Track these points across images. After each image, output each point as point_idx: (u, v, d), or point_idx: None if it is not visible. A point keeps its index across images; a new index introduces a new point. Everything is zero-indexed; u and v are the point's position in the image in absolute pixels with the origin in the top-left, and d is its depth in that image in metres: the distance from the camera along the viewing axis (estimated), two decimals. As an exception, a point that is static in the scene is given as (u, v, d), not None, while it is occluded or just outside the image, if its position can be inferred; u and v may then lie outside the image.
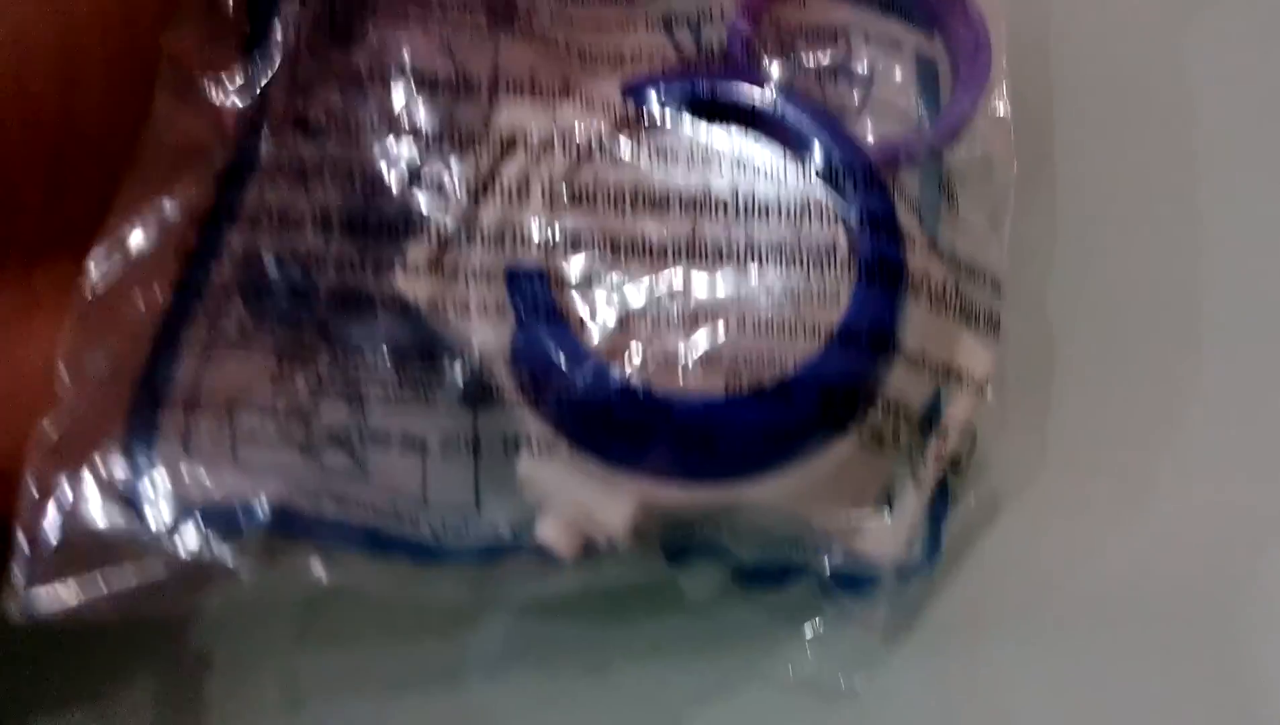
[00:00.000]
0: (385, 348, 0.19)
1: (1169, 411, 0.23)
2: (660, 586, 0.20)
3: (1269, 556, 0.22)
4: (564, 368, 0.18)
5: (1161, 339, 0.23)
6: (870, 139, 0.20)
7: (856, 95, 0.21)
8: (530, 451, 0.18)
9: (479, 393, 0.18)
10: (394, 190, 0.19)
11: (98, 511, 0.17)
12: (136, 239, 0.18)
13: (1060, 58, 0.25)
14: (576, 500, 0.18)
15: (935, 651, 0.21)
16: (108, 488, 0.17)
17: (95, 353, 0.18)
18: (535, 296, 0.18)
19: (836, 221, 0.19)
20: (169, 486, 0.17)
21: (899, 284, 0.18)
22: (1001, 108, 0.21)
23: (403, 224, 0.19)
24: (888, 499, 0.19)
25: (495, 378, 0.18)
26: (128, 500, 0.17)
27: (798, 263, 0.18)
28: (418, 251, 0.19)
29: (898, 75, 0.21)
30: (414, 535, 0.18)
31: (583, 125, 0.19)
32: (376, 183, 0.19)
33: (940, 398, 0.19)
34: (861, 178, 0.19)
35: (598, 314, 0.18)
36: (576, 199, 0.19)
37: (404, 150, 0.20)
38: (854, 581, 0.20)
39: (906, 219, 0.19)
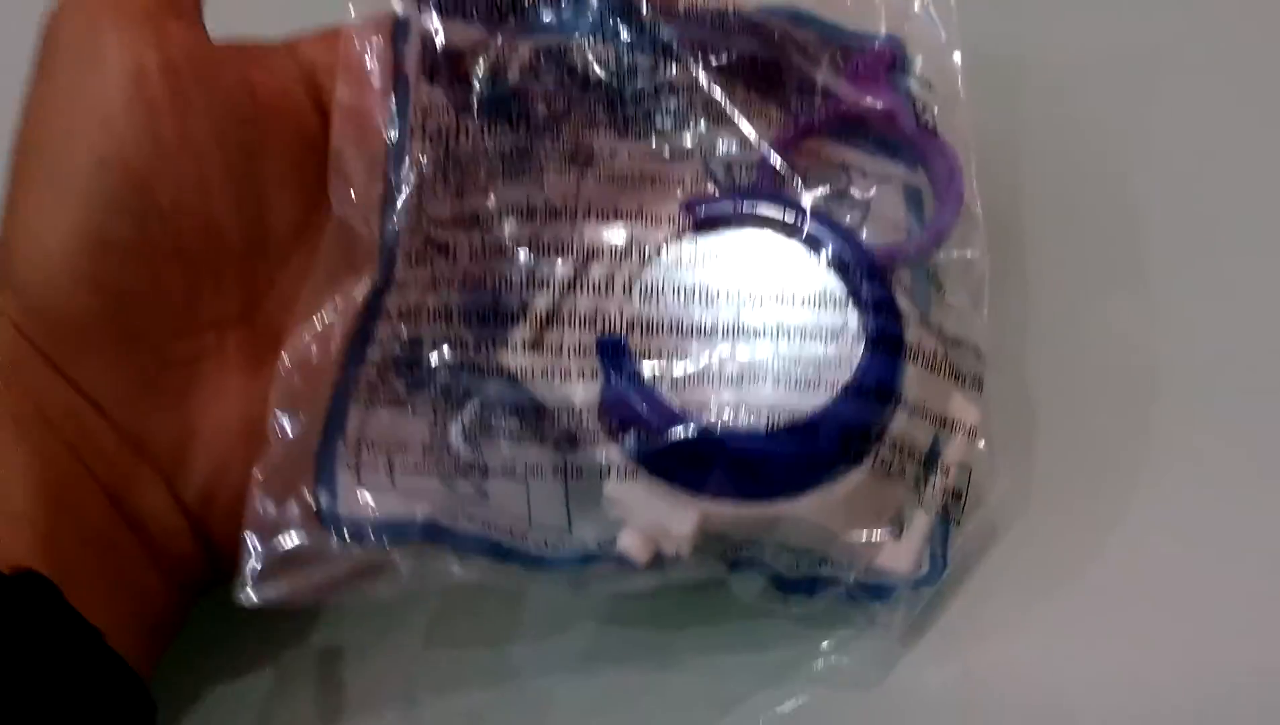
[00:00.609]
0: (497, 404, 0.24)
1: (1132, 452, 0.28)
2: (714, 600, 0.25)
3: (1222, 568, 0.26)
4: (642, 413, 0.23)
5: (1124, 394, 0.29)
6: (872, 245, 0.26)
7: (858, 214, 0.27)
8: (615, 477, 0.24)
9: (569, 437, 0.24)
10: (501, 290, 0.25)
11: (301, 528, 0.23)
12: (316, 328, 0.25)
13: (1027, 160, 0.31)
14: (650, 516, 0.23)
15: (943, 651, 0.26)
16: (307, 510, 0.23)
17: (291, 411, 0.24)
18: (620, 361, 0.24)
19: (848, 305, 0.25)
20: (348, 509, 0.23)
21: (899, 352, 0.24)
22: (976, 215, 0.27)
23: (509, 313, 0.25)
24: (900, 523, 0.24)
25: (585, 424, 0.24)
26: (321, 519, 0.23)
27: (819, 338, 0.24)
28: (519, 333, 0.25)
29: (891, 198, 0.27)
30: (523, 547, 0.24)
31: (650, 236, 0.25)
32: (489, 284, 0.25)
33: (939, 442, 0.25)
34: (866, 272, 0.25)
35: (666, 374, 0.24)
36: (647, 292, 0.25)
37: (510, 261, 0.25)
38: (874, 590, 0.25)
39: (904, 303, 0.25)
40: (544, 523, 0.24)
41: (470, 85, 0.26)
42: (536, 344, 0.25)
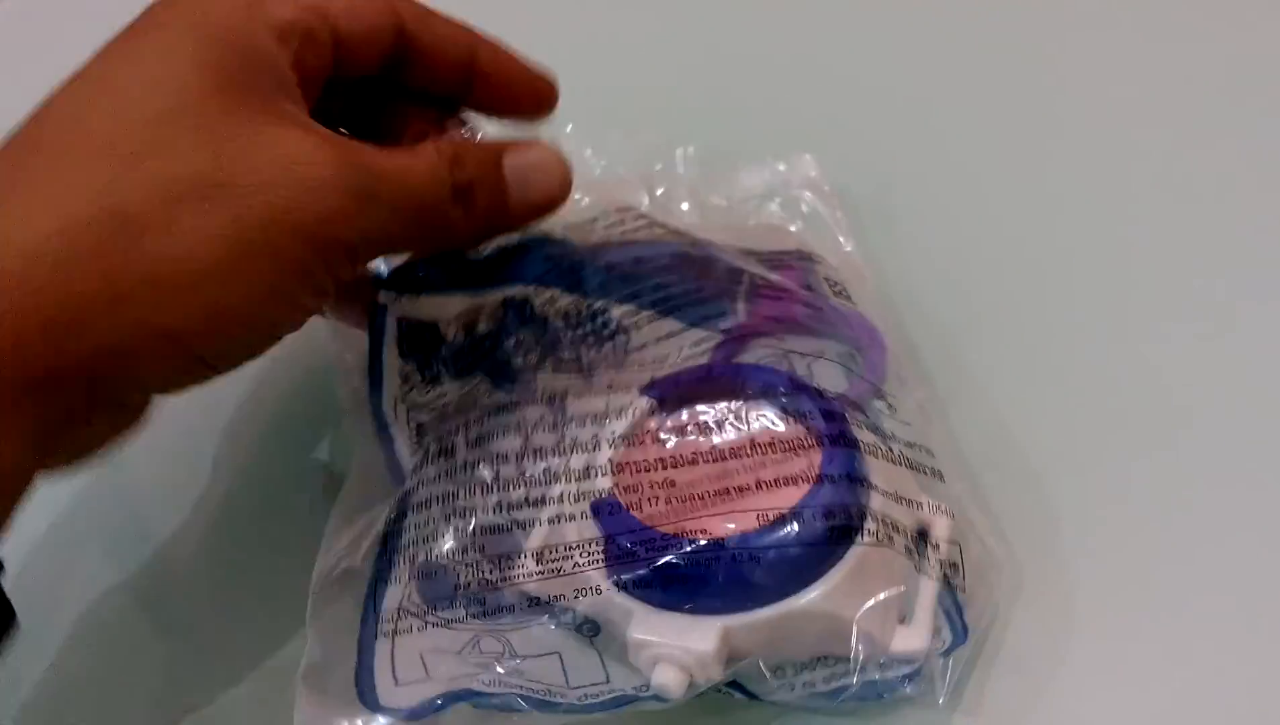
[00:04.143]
0: (516, 603, 0.26)
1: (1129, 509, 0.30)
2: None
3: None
4: (644, 556, 0.25)
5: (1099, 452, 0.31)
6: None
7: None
8: (634, 625, 0.25)
9: (590, 622, 0.26)
10: (503, 514, 0.28)
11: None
12: (341, 552, 0.27)
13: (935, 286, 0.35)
14: (676, 648, 0.24)
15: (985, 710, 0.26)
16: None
17: (327, 626, 0.26)
18: (614, 516, 0.26)
19: (806, 425, 0.27)
20: (389, 702, 0.24)
21: (855, 447, 0.27)
22: (903, 360, 0.30)
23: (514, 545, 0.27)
24: (905, 608, 0.26)
25: (599, 596, 0.25)
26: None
27: (786, 450, 0.27)
28: (531, 545, 0.27)
29: (828, 369, 0.30)
30: (565, 702, 0.24)
31: (624, 421, 0.28)
32: (492, 512, 0.28)
33: (923, 521, 0.27)
34: (816, 399, 0.28)
35: (656, 511, 0.26)
36: (623, 468, 0.27)
37: (504, 490, 0.28)
38: (900, 679, 0.25)
39: (856, 420, 0.28)
40: (582, 681, 0.25)
41: (442, 348, 0.30)
42: (540, 558, 0.27)
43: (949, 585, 0.26)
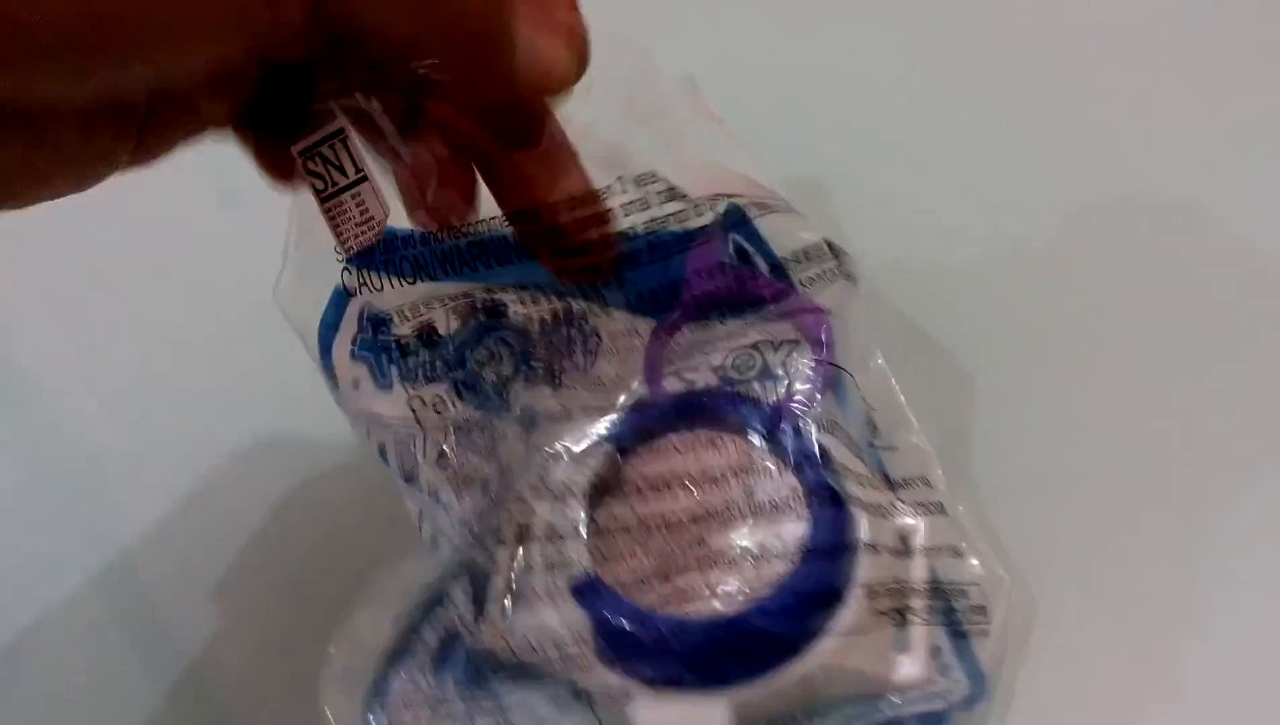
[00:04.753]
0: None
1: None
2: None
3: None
4: (641, 637, 0.24)
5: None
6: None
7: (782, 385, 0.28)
8: (637, 714, 0.24)
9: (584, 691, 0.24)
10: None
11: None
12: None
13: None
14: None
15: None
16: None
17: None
18: (598, 599, 0.25)
19: (781, 467, 0.26)
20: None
21: (838, 503, 0.25)
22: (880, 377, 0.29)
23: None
24: (903, 644, 0.25)
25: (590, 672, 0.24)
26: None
27: (767, 495, 0.25)
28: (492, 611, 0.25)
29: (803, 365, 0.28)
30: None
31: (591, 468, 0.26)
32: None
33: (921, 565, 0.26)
34: (794, 437, 0.26)
35: (636, 574, 0.25)
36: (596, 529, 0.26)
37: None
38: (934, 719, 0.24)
39: (835, 448, 0.26)
40: None
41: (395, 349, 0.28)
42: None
43: (954, 627, 0.25)
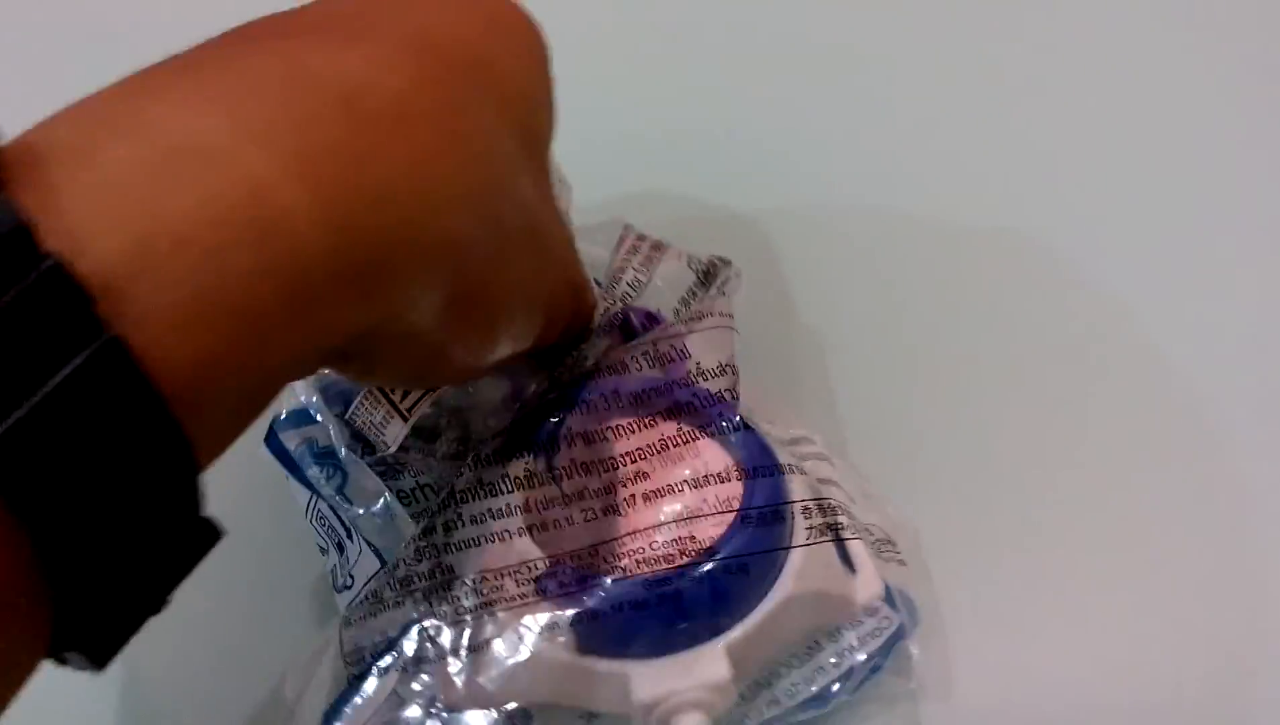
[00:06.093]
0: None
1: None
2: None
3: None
4: (613, 613, 0.24)
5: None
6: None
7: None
8: (635, 687, 0.23)
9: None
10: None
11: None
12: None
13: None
14: (691, 690, 0.23)
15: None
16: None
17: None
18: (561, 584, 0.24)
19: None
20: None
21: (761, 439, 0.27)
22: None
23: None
24: (850, 565, 0.26)
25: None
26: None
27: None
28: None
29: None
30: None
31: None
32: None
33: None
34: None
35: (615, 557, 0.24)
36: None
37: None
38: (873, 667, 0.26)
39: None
40: None
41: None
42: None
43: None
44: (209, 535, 0.17)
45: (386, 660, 0.24)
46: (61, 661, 0.17)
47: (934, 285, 0.35)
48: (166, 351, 0.16)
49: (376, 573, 0.26)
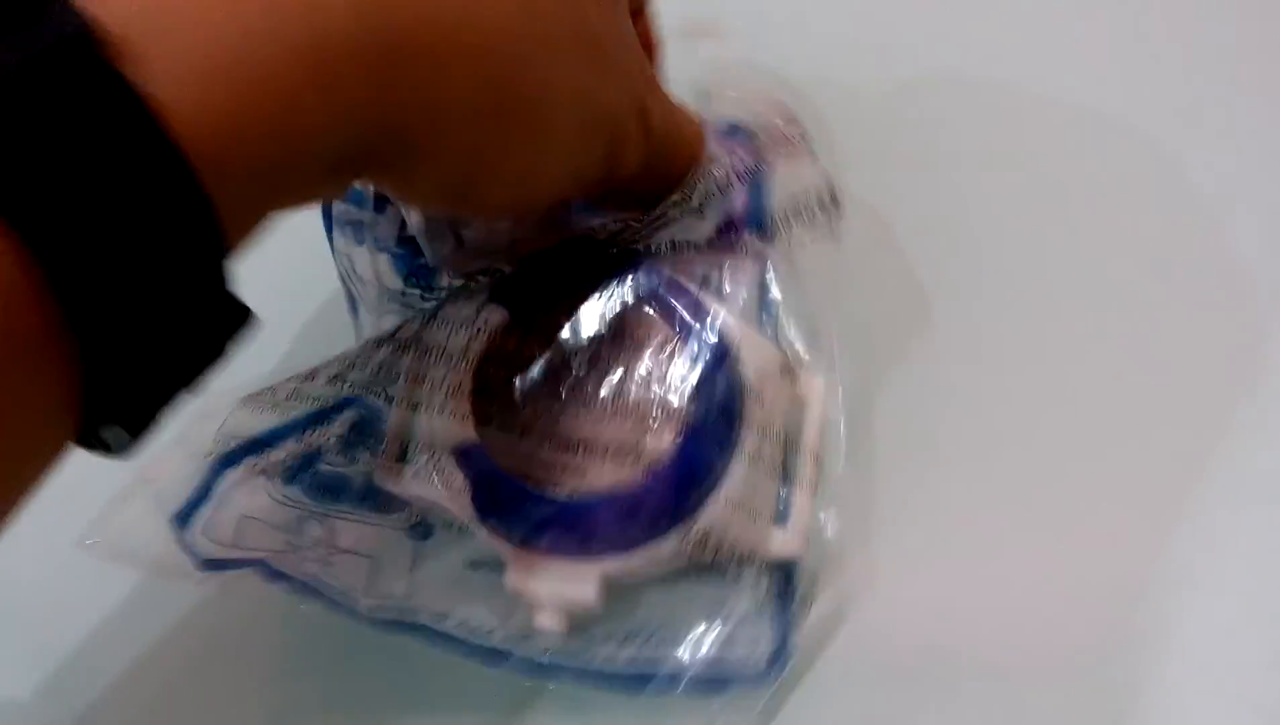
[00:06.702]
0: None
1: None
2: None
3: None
4: (523, 503, 0.24)
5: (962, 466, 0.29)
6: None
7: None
8: (510, 574, 0.24)
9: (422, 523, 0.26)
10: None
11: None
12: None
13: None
14: (557, 598, 0.24)
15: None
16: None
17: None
18: (481, 465, 0.25)
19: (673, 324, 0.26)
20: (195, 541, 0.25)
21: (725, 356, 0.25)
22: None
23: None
24: (784, 517, 0.25)
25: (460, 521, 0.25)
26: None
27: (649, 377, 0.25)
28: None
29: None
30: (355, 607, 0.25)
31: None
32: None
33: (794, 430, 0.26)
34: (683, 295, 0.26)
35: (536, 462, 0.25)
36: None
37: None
38: (712, 685, 0.24)
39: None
40: (379, 595, 0.26)
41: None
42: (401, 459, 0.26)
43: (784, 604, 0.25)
44: (238, 315, 0.18)
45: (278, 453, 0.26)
46: (93, 445, 0.17)
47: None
48: (187, 108, 0.16)
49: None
